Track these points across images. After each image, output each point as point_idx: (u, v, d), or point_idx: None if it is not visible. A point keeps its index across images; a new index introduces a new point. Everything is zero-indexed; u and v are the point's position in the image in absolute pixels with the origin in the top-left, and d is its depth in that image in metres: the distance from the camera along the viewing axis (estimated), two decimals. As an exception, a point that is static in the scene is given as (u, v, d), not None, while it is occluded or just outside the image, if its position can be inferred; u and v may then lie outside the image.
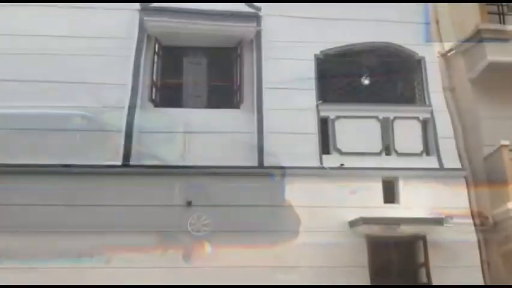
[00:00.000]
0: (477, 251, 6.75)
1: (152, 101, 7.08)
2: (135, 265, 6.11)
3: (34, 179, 6.41)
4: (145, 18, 7.16)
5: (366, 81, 7.48)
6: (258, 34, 7.42)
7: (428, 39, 7.80)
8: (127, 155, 6.59)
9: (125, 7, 7.28)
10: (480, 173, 7.51)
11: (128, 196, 6.43)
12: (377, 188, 6.90)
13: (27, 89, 6.80)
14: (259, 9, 7.52)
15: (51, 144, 6.57)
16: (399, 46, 7.68)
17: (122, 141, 6.66)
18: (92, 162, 6.49)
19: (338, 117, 7.19)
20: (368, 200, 6.72)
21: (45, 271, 5.96)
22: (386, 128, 7.24)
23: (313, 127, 7.08)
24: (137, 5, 7.29)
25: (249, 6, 7.53)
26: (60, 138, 6.63)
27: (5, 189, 6.30)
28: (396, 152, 7.15)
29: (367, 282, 6.40)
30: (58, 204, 6.33)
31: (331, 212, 6.62)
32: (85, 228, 6.24)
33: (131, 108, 6.83)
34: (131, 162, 6.59)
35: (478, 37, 7.74)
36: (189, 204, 6.47)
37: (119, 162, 6.55)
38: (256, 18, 7.42)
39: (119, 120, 6.75)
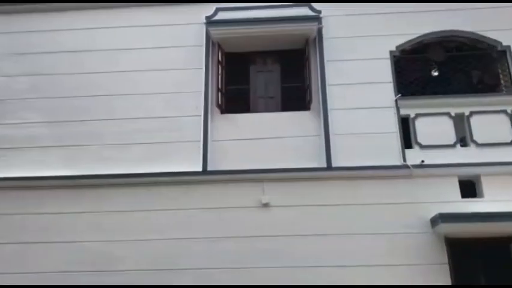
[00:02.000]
0: None
1: (219, 106, 7.28)
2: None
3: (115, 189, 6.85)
4: (210, 28, 7.44)
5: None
6: (320, 33, 7.43)
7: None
8: (205, 162, 6.87)
9: (193, 21, 7.62)
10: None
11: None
12: (461, 183, 6.68)
13: (105, 103, 7.29)
14: (319, 12, 7.56)
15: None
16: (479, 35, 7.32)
17: (201, 148, 6.94)
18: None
19: (417, 114, 7.03)
20: (448, 196, 6.55)
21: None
22: (469, 120, 6.99)
23: (392, 124, 6.94)
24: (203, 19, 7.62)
25: (310, 9, 7.60)
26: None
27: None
28: (479, 144, 6.86)
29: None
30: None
31: (412, 209, 6.51)
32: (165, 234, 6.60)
33: (206, 115, 7.11)
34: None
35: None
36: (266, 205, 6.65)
37: (199, 169, 6.85)
38: (317, 19, 7.44)
39: (197, 128, 7.06)
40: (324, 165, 6.81)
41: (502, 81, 7.30)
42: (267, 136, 7.00)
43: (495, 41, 7.28)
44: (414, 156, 6.77)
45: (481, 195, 6.61)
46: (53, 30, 7.76)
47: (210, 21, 7.55)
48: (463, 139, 7.00)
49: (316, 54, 7.41)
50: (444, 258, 6.30)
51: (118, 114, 7.22)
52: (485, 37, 7.31)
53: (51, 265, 6.53)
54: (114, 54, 7.57)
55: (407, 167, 6.68)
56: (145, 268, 6.43)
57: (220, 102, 7.29)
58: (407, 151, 6.82)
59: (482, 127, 6.90)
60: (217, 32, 7.44)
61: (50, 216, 6.76)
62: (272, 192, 6.68)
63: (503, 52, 7.27)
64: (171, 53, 7.49)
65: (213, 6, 7.67)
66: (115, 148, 7.05)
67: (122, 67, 7.47)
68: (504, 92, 7.21)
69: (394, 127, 6.92)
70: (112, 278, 6.41)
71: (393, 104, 7.04)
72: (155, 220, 6.65)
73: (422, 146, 6.87)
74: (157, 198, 6.76)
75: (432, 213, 6.36)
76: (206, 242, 6.51)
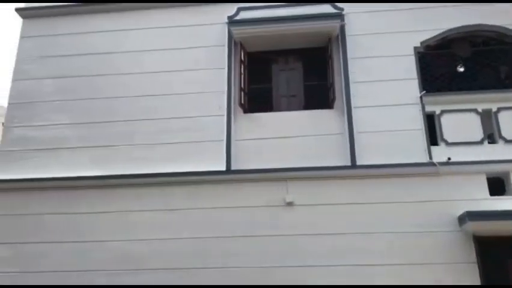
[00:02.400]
0: None
1: (241, 106, 7.30)
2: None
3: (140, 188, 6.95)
4: (232, 28, 7.47)
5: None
6: (343, 30, 7.39)
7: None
8: (228, 161, 6.91)
9: (216, 21, 7.68)
10: None
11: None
12: (490, 180, 6.54)
13: (133, 104, 7.40)
14: (341, 9, 7.51)
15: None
16: (507, 29, 7.15)
17: (224, 148, 6.99)
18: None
19: (443, 111, 6.92)
20: (476, 194, 6.43)
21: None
22: (496, 116, 6.85)
23: (417, 121, 6.85)
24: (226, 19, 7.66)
25: (332, 6, 7.56)
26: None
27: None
28: (508, 140, 6.72)
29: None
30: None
31: (439, 207, 6.42)
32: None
33: (229, 115, 7.15)
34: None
35: None
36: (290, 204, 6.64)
37: (223, 168, 6.90)
38: (340, 16, 7.40)
39: (221, 128, 7.11)
40: (349, 163, 6.77)
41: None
42: (290, 135, 7.00)
43: (521, 33, 7.12)
44: (440, 153, 6.68)
45: (510, 193, 6.47)
46: (80, 33, 7.94)
47: (231, 21, 7.59)
48: (491, 136, 6.86)
49: (339, 51, 7.36)
50: (473, 257, 6.19)
51: (144, 115, 7.31)
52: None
53: (83, 264, 6.66)
54: (139, 56, 7.69)
55: (433, 164, 6.59)
56: (173, 267, 6.48)
57: (243, 102, 7.32)
58: (432, 148, 6.73)
59: (511, 123, 6.76)
60: (239, 31, 7.47)
61: (80, 216, 6.90)
62: (296, 191, 6.68)
63: (531, 46, 7.12)
64: (194, 53, 7.57)
65: (235, 6, 7.71)
66: (142, 148, 7.14)
67: (148, 68, 7.58)
68: (534, 86, 7.06)
69: (419, 124, 6.83)
70: (142, 277, 6.50)
71: (418, 100, 6.95)
72: (180, 219, 6.71)
73: (448, 143, 6.77)
74: (181, 197, 6.83)
75: (460, 211, 6.27)
76: (231, 241, 6.55)
